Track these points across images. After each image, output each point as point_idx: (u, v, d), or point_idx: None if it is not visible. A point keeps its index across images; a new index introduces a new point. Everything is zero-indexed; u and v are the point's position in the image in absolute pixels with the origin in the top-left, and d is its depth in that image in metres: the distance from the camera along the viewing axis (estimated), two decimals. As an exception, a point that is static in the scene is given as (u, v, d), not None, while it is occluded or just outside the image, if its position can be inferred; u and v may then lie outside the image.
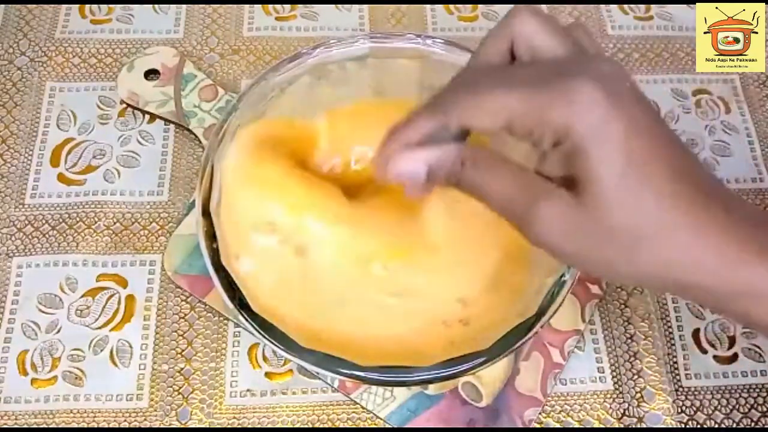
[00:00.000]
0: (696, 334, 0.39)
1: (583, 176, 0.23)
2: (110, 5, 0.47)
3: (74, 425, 0.35)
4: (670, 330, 0.39)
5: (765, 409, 0.37)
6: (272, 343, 0.31)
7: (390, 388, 0.36)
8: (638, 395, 0.37)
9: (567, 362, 0.37)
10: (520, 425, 0.36)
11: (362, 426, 0.36)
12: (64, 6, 0.47)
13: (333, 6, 0.48)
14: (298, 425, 0.36)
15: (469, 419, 0.36)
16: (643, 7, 0.49)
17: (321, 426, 0.36)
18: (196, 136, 0.42)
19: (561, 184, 0.24)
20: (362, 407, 0.36)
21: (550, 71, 0.24)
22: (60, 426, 0.35)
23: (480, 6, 0.49)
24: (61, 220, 0.40)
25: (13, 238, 0.40)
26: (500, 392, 0.36)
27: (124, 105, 0.43)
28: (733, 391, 0.37)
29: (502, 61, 0.26)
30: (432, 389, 0.36)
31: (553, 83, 0.23)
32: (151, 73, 0.43)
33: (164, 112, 0.42)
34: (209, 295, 0.37)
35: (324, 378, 0.36)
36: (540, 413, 0.36)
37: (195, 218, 0.33)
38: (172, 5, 0.47)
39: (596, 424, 0.36)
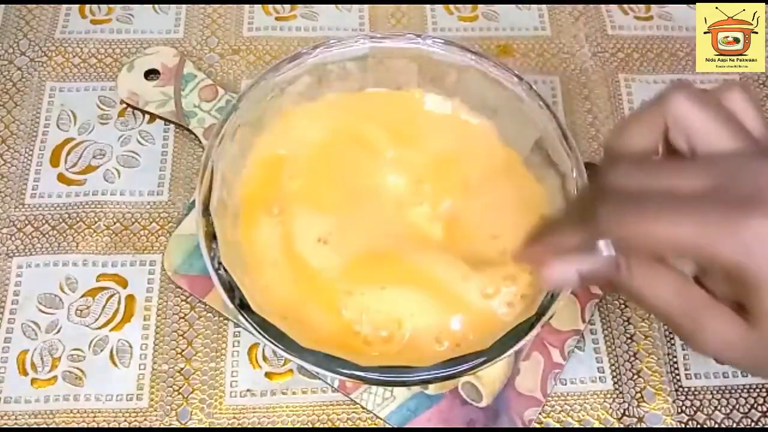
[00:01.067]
0: (696, 334, 0.39)
1: (757, 310, 0.22)
2: (110, 5, 0.47)
3: (74, 425, 0.35)
4: (670, 330, 0.39)
5: (765, 409, 0.37)
6: (272, 343, 0.31)
7: (390, 388, 0.36)
8: (638, 395, 0.37)
9: (567, 362, 0.37)
10: (520, 425, 0.36)
11: (362, 426, 0.36)
12: (64, 6, 0.47)
13: (333, 6, 0.48)
14: (298, 425, 0.36)
15: (469, 419, 0.36)
16: (643, 7, 0.49)
17: (321, 426, 0.36)
18: (196, 136, 0.42)
19: (727, 304, 0.24)
20: (362, 407, 0.36)
21: (723, 193, 0.22)
22: (60, 426, 0.35)
23: (480, 6, 0.49)
24: (61, 220, 0.40)
25: (13, 238, 0.40)
26: (500, 392, 0.36)
27: (124, 105, 0.43)
28: (733, 391, 0.37)
29: (651, 149, 0.25)
30: (432, 389, 0.36)
31: (726, 217, 0.22)
32: (151, 73, 0.43)
33: (164, 112, 0.42)
34: (209, 295, 0.37)
35: (324, 378, 0.36)
36: (540, 413, 0.36)
37: (195, 218, 0.33)
38: (172, 5, 0.47)
39: (596, 424, 0.36)
